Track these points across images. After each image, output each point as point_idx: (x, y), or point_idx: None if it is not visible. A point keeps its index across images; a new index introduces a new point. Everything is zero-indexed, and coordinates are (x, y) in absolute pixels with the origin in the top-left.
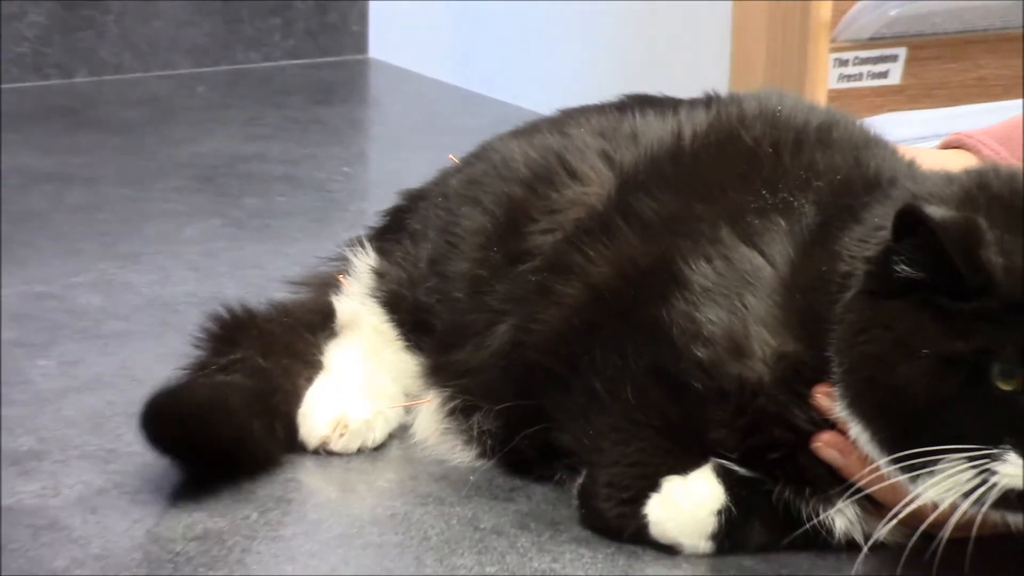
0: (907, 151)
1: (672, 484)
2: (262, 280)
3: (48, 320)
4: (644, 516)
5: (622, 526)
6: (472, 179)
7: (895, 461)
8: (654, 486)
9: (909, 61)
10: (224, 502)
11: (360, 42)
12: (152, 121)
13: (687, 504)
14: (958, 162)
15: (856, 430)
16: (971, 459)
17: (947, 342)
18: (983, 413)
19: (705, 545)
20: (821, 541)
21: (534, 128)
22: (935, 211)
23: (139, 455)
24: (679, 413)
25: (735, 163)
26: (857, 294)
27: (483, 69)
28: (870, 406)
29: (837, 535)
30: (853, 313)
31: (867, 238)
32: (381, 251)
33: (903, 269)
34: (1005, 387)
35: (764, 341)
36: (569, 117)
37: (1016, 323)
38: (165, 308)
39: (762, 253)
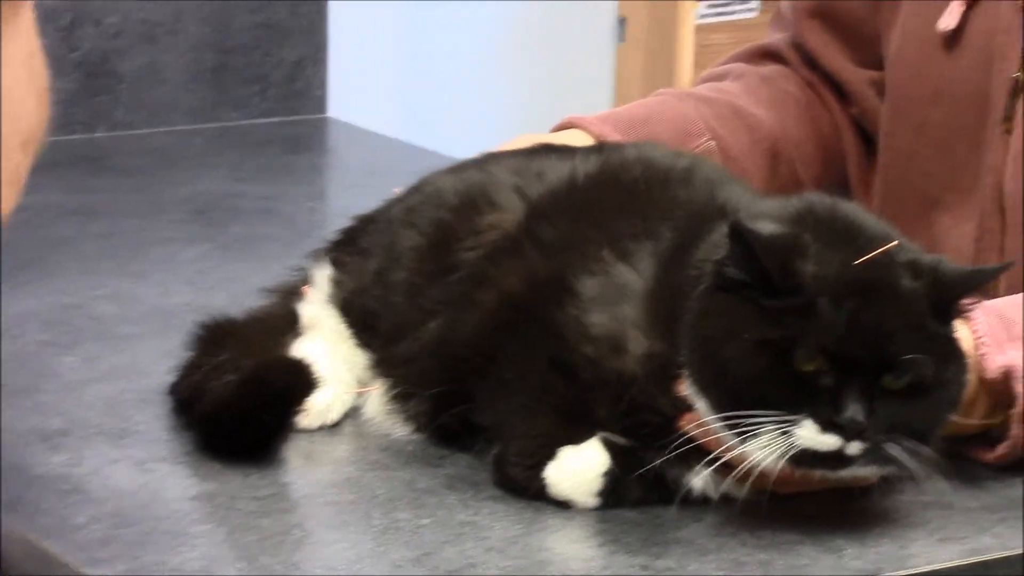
0: (533, 137)
1: (566, 452)
2: (244, 292)
3: (73, 325)
4: (544, 478)
5: (527, 487)
6: (411, 207)
7: (724, 425)
8: (552, 455)
9: None
10: (215, 469)
11: (321, 104)
12: (157, 167)
13: (578, 468)
14: (578, 140)
15: (699, 403)
16: (778, 423)
17: (761, 329)
18: (788, 387)
19: (593, 501)
20: (687, 497)
21: (462, 166)
22: (763, 226)
23: (146, 433)
24: (572, 397)
25: (616, 198)
26: (701, 290)
27: (421, 126)
28: (705, 380)
29: (696, 493)
30: (697, 305)
31: (712, 250)
32: (336, 263)
33: (732, 271)
34: (806, 367)
35: (637, 341)
36: (491, 158)
37: (816, 318)
38: (167, 315)
39: (634, 269)
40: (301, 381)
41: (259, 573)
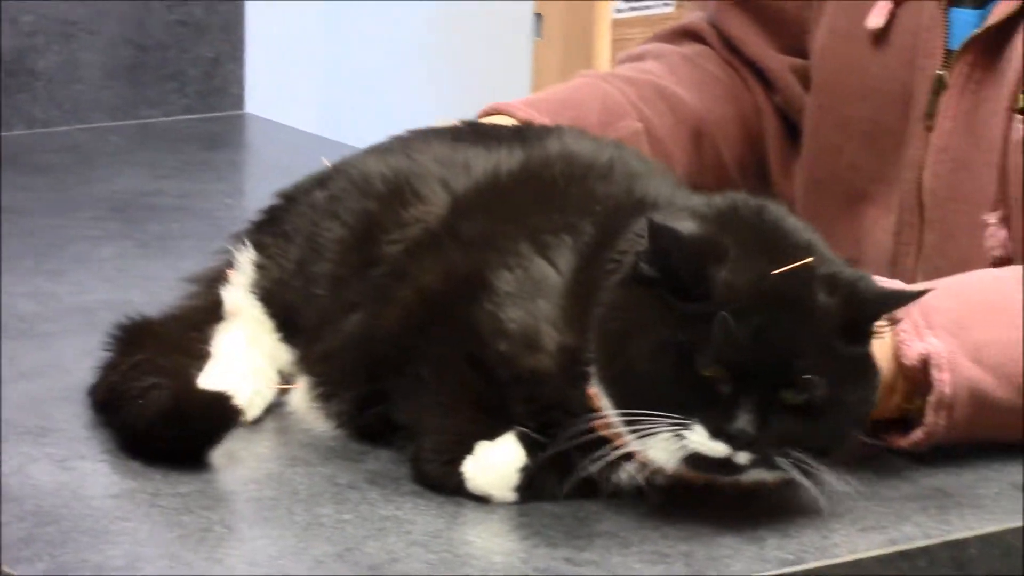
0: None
1: (483, 448)
2: (162, 289)
3: None
4: (461, 474)
5: (445, 482)
6: (334, 195)
7: (623, 422)
8: (470, 450)
9: None
10: (136, 467)
11: (239, 100)
12: (75, 165)
13: (495, 463)
14: (505, 123)
15: (603, 400)
16: (671, 425)
17: (666, 331)
18: (687, 391)
19: (511, 496)
20: (605, 489)
21: (387, 149)
22: (683, 225)
23: (66, 431)
24: (488, 393)
25: (537, 194)
26: (614, 281)
27: (339, 122)
28: (608, 376)
29: (614, 486)
30: (608, 296)
31: (632, 242)
32: (259, 245)
33: (646, 268)
34: (705, 372)
35: (551, 337)
36: (415, 140)
37: (719, 328)
38: (86, 313)
39: (552, 264)
40: (221, 418)
41: (181, 570)
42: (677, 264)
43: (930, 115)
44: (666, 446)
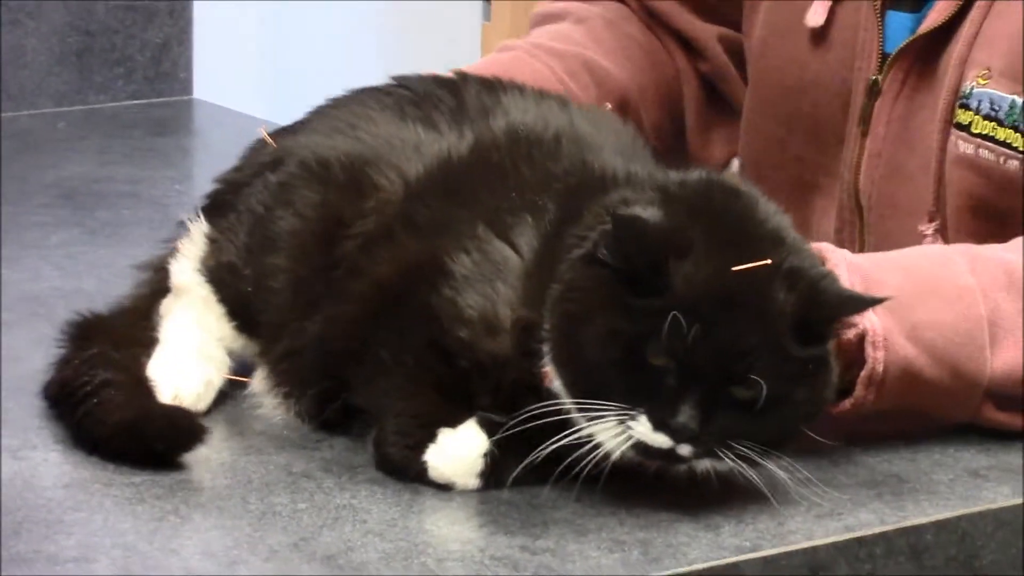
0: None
1: (445, 435)
2: (113, 276)
3: None
4: (424, 462)
5: (407, 468)
6: (286, 182)
7: (574, 405)
8: (432, 436)
9: None
10: (88, 458)
11: (187, 85)
12: (22, 151)
13: (458, 451)
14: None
15: (555, 380)
16: (617, 413)
17: (619, 319)
18: (635, 380)
19: (474, 482)
20: (567, 474)
21: (333, 127)
22: (651, 213)
23: (17, 421)
24: (449, 379)
25: (490, 175)
26: (574, 259)
27: (287, 106)
28: (561, 358)
29: (578, 469)
30: (567, 275)
31: (595, 220)
32: (212, 221)
33: (604, 254)
34: (655, 361)
35: (507, 315)
36: (358, 115)
37: (671, 324)
38: (36, 301)
39: (512, 245)
40: (183, 437)
41: (136, 561)
42: (638, 256)
43: (865, 120)
44: (613, 433)
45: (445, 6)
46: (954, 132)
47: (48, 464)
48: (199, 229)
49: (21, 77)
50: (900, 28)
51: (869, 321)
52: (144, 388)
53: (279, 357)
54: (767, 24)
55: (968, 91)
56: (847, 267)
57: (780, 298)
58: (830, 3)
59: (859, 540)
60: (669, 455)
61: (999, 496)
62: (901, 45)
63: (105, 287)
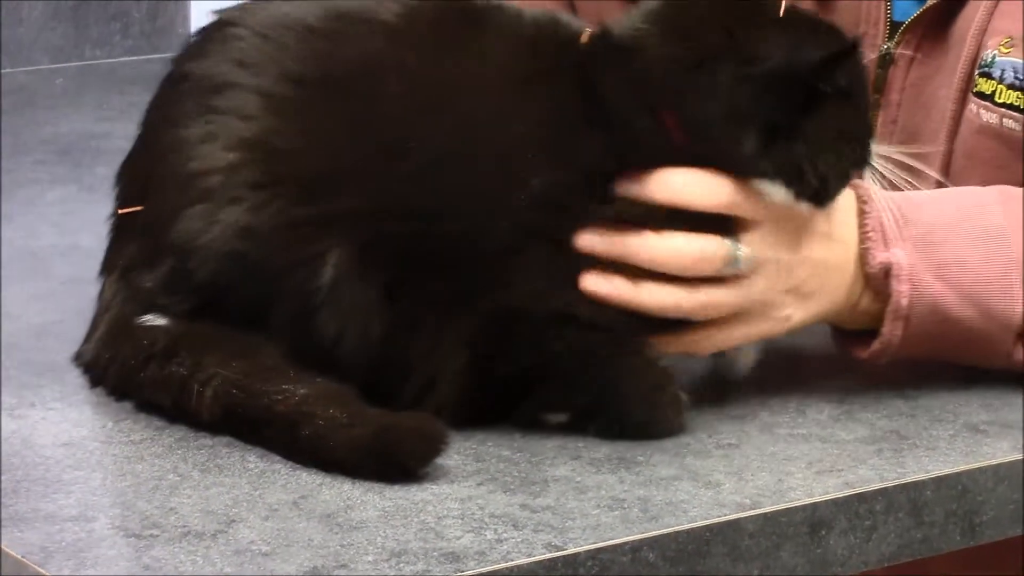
0: None
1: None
2: None
3: None
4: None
5: (675, 429)
6: None
7: None
8: (671, 379)
9: None
10: (86, 415)
11: (184, 41)
12: (18, 107)
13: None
14: None
15: None
16: None
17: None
18: None
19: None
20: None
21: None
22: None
23: (14, 379)
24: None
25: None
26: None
27: None
28: None
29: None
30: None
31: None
32: None
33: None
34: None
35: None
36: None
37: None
38: (33, 258)
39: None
40: (430, 442)
41: (135, 519)
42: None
43: (878, 89)
44: None
45: None
46: (975, 101)
47: (46, 422)
48: None
49: (18, 33)
50: None
51: (894, 255)
52: (343, 396)
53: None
54: None
55: (990, 60)
56: (881, 205)
57: None
58: None
59: (859, 496)
60: None
61: (999, 451)
62: (916, 14)
63: (102, 244)
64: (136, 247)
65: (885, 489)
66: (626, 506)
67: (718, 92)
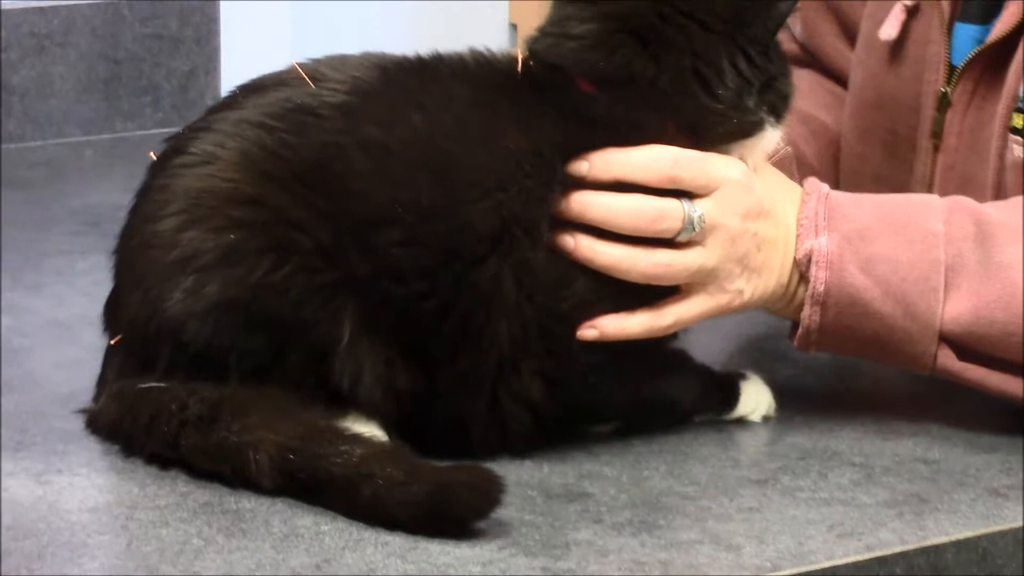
0: None
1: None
2: None
3: None
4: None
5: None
6: None
7: None
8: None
9: None
10: (112, 481)
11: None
12: (49, 179)
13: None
14: None
15: None
16: None
17: None
18: None
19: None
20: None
21: None
22: None
23: (42, 445)
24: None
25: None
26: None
27: None
28: None
29: None
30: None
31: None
32: None
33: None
34: None
35: None
36: None
37: None
38: (62, 327)
39: None
40: (487, 493)
41: None
42: None
43: (936, 133)
44: None
45: (472, 33)
46: (1012, 138)
47: (73, 488)
48: None
49: (49, 105)
50: (967, 40)
51: (818, 243)
52: (399, 453)
53: None
54: (861, 35)
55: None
56: (818, 198)
57: None
58: (904, 17)
59: (879, 560)
60: None
61: (1020, 515)
62: (970, 56)
63: None
64: (123, 356)
65: (906, 552)
66: (647, 569)
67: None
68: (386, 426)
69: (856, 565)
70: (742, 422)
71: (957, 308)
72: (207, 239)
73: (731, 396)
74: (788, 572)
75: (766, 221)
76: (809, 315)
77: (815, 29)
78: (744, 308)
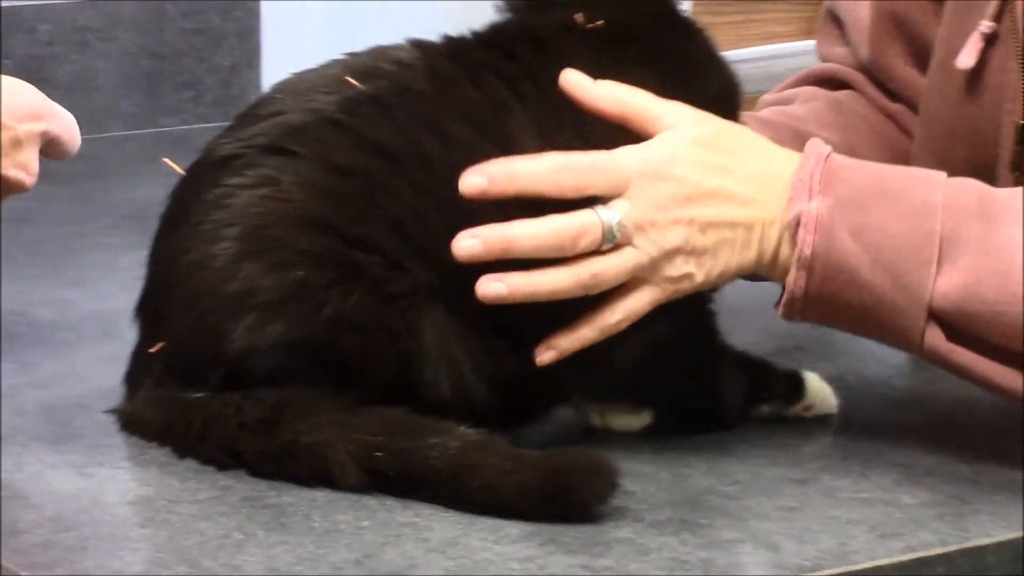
0: None
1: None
2: None
3: (9, 331)
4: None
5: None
6: None
7: None
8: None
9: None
10: (154, 474)
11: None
12: (92, 174)
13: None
14: None
15: None
16: None
17: None
18: None
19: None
20: None
21: None
22: None
23: (84, 438)
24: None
25: None
26: None
27: None
28: None
29: None
30: None
31: None
32: None
33: None
34: None
35: None
36: None
37: None
38: (104, 321)
39: None
40: (605, 479)
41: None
42: None
43: (1018, 165)
44: None
45: None
46: None
47: (114, 481)
48: None
49: (91, 101)
50: None
51: (808, 207)
52: (494, 443)
53: None
54: (935, 62)
55: None
56: (816, 160)
57: None
58: (982, 45)
59: (921, 560)
60: None
61: None
62: None
63: None
64: (164, 366)
65: (947, 553)
66: (688, 568)
67: None
68: (485, 420)
69: (897, 566)
70: (783, 420)
71: (949, 282)
72: (269, 275)
73: (798, 386)
74: (829, 572)
75: (706, 203)
76: (795, 280)
77: (883, 51)
78: (709, 286)
